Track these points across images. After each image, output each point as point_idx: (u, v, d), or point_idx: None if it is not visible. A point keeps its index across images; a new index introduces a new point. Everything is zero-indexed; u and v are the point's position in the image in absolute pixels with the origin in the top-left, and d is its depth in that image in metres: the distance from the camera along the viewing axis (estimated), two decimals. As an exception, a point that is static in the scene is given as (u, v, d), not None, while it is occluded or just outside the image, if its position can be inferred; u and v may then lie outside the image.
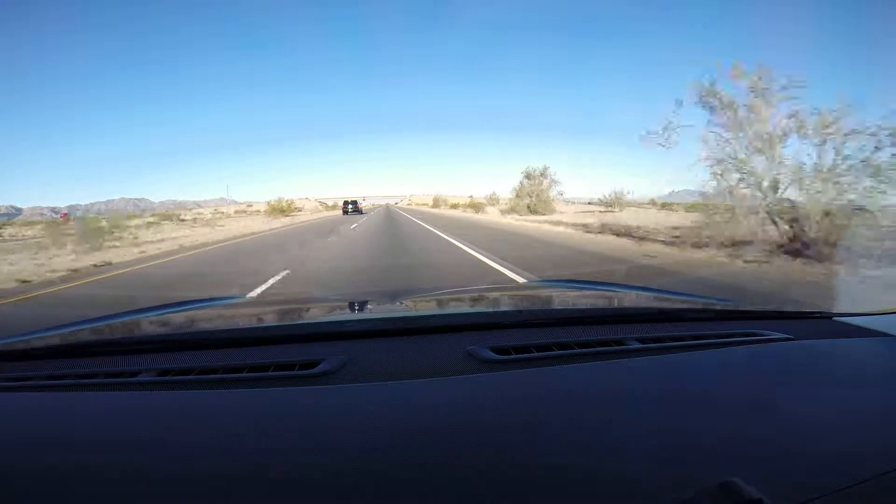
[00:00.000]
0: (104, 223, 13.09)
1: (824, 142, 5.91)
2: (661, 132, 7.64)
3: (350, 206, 40.16)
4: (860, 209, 5.56)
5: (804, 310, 1.14)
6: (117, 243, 11.93)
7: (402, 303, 1.48)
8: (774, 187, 6.33)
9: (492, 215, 25.00)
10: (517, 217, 20.84)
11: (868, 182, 5.56)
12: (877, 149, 5.50)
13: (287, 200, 42.01)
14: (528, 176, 24.14)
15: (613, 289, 1.51)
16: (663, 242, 7.78)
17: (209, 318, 1.27)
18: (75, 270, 7.15)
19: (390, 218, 23.74)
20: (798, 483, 0.46)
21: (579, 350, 0.79)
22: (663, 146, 7.65)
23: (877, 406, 0.64)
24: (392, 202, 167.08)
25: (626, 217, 17.48)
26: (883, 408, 0.64)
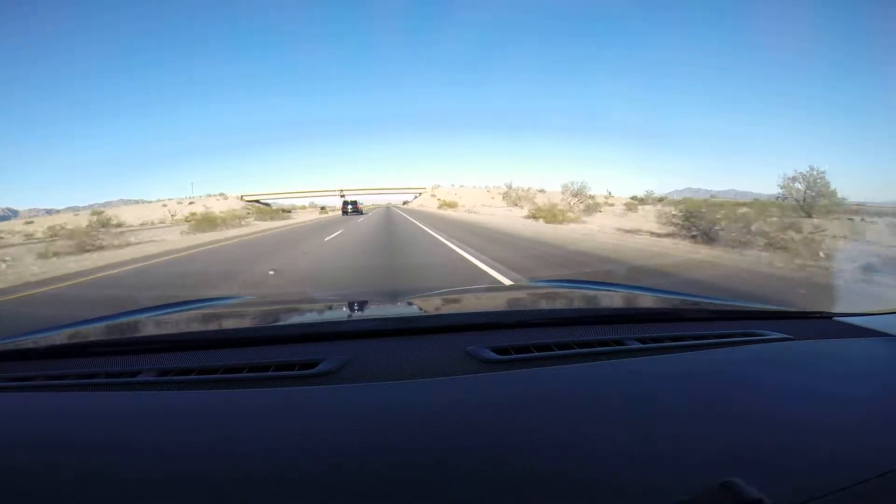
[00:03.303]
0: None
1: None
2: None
3: (349, 207, 39.91)
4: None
5: (804, 310, 1.14)
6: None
7: (401, 303, 1.49)
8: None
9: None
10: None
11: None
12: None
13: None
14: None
15: (613, 289, 1.51)
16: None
17: (209, 318, 1.27)
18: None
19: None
20: (798, 483, 0.46)
21: (579, 350, 0.79)
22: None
23: (877, 406, 0.64)
24: (401, 200, 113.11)
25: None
26: (883, 408, 0.64)
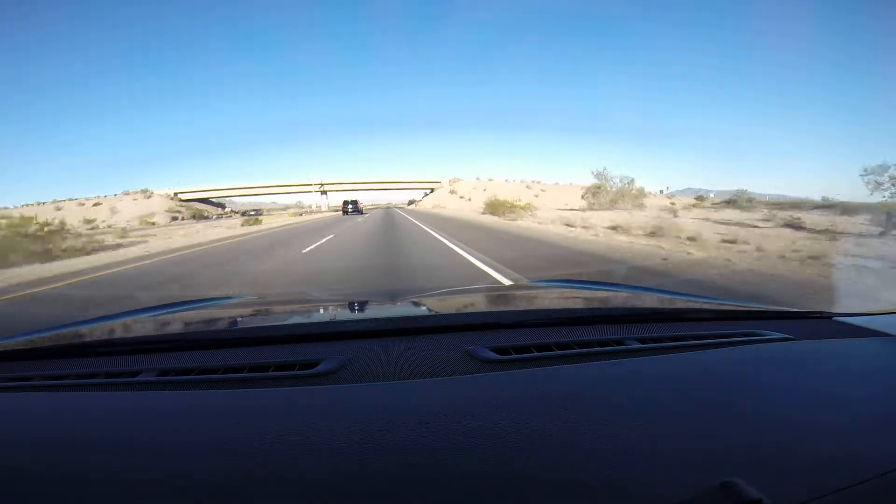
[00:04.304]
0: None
1: None
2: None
3: (350, 206, 39.94)
4: None
5: (804, 310, 1.14)
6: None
7: (401, 303, 1.48)
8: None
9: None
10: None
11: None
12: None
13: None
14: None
15: (613, 289, 1.51)
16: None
17: (209, 318, 1.27)
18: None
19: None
20: (798, 483, 0.46)
21: (579, 350, 0.79)
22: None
23: (877, 406, 0.64)
24: (406, 199, 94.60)
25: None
26: (883, 408, 0.64)
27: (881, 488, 0.46)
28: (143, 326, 1.14)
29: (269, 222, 26.40)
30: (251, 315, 1.34)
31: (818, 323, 1.02)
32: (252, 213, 46.43)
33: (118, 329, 1.10)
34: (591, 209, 24.23)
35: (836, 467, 0.49)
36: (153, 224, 41.13)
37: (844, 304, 3.64)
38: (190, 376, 0.72)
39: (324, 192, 73.15)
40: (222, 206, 72.06)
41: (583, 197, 28.39)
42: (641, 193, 26.17)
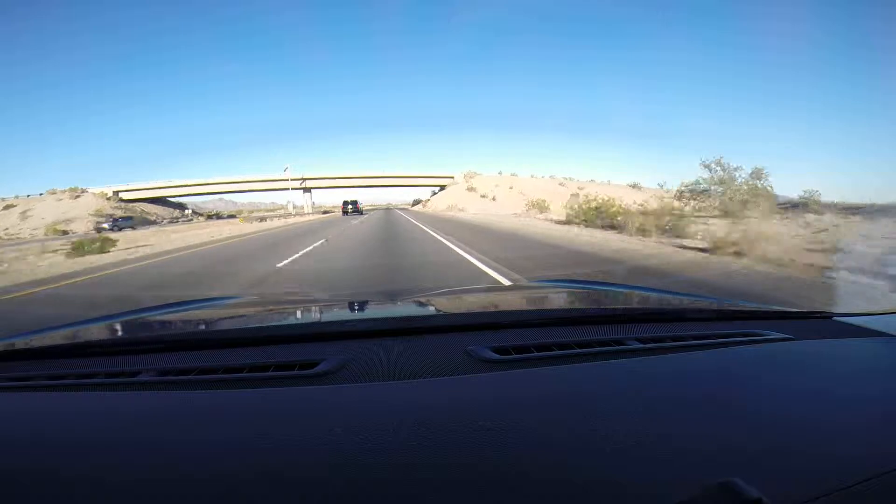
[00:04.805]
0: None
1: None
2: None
3: (350, 207, 39.99)
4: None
5: (804, 310, 1.14)
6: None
7: (401, 303, 1.49)
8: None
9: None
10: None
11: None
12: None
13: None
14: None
15: (613, 289, 1.51)
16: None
17: (209, 318, 1.27)
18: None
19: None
20: (798, 483, 0.46)
21: (579, 350, 0.79)
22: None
23: (877, 406, 0.64)
24: (411, 199, 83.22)
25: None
26: (883, 408, 0.64)
27: (881, 488, 0.46)
28: (142, 326, 1.15)
29: (183, 236, 15.31)
30: (251, 315, 1.34)
31: (818, 323, 1.02)
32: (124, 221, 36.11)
33: (118, 329, 1.10)
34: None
35: (836, 467, 0.49)
36: (65, 233, 30.95)
37: (845, 304, 3.64)
38: (190, 376, 0.72)
39: (307, 190, 61.01)
40: (182, 206, 59.36)
41: (677, 198, 17.13)
42: (770, 194, 15.89)
